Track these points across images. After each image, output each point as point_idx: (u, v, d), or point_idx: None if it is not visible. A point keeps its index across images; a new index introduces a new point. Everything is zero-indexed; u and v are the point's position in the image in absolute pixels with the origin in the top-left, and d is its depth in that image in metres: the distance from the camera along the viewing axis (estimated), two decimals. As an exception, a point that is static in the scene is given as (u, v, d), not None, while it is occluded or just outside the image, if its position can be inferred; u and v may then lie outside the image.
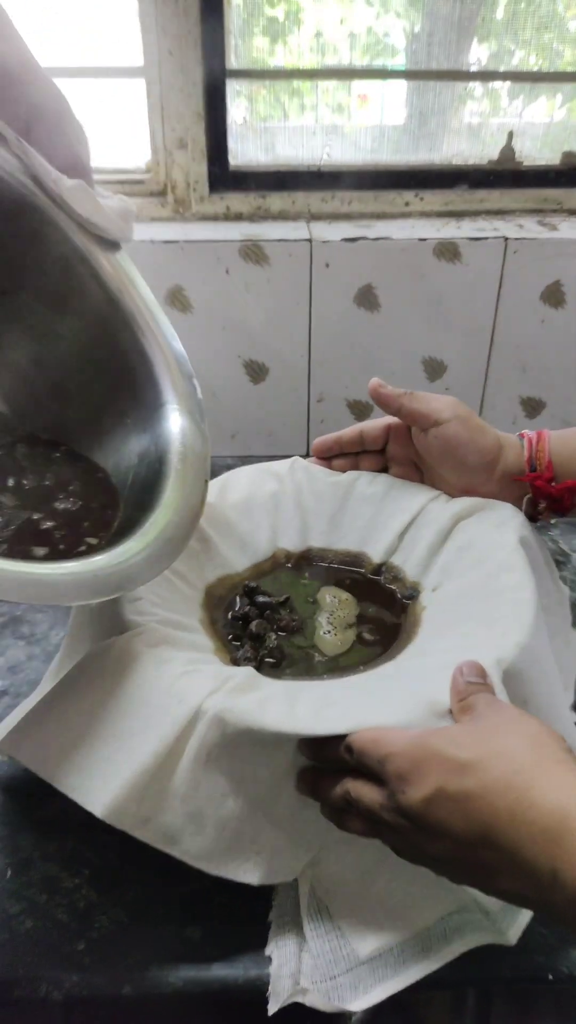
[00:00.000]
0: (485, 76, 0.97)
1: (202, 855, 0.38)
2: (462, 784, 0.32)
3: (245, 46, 0.92)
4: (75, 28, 0.88)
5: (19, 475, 0.48)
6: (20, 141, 0.47)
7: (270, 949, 0.39)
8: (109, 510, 0.47)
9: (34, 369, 0.53)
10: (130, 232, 0.52)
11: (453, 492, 0.53)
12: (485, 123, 1.02)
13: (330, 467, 0.58)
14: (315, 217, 0.96)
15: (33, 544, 0.43)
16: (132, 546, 0.41)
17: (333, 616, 0.51)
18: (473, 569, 0.48)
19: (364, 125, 1.00)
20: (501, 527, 0.49)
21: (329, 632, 0.50)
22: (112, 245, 0.52)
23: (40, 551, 0.42)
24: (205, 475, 0.48)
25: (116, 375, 0.52)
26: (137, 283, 0.52)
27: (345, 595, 0.53)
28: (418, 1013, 0.44)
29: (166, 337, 0.52)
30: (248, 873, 0.39)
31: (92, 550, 0.43)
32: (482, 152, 1.00)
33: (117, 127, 0.91)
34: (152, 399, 0.50)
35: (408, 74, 0.96)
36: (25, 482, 0.48)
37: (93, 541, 0.44)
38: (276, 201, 0.95)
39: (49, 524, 0.45)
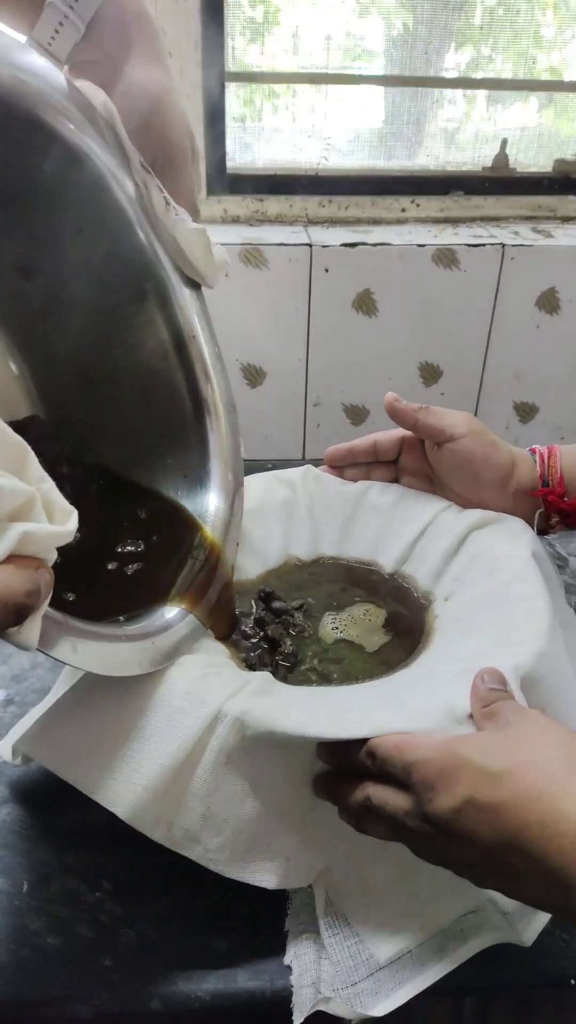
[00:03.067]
0: (488, 84, 0.98)
1: (219, 858, 0.38)
2: (493, 794, 0.32)
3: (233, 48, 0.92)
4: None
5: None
6: (146, 169, 0.47)
7: (289, 958, 0.39)
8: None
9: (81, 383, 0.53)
10: (217, 281, 0.52)
11: (466, 506, 0.54)
12: (478, 129, 1.03)
13: (342, 476, 0.58)
14: (312, 222, 0.96)
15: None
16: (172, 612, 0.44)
17: (350, 619, 0.51)
18: (486, 579, 0.48)
19: (343, 128, 1.01)
20: (513, 539, 0.50)
21: (335, 629, 0.50)
22: (194, 284, 0.52)
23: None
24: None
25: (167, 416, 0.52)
26: (207, 328, 0.52)
27: (376, 615, 0.52)
28: (421, 1018, 0.44)
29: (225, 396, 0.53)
30: (264, 877, 0.39)
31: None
32: (475, 159, 1.01)
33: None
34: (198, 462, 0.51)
35: (403, 80, 0.97)
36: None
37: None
38: (273, 205, 0.95)
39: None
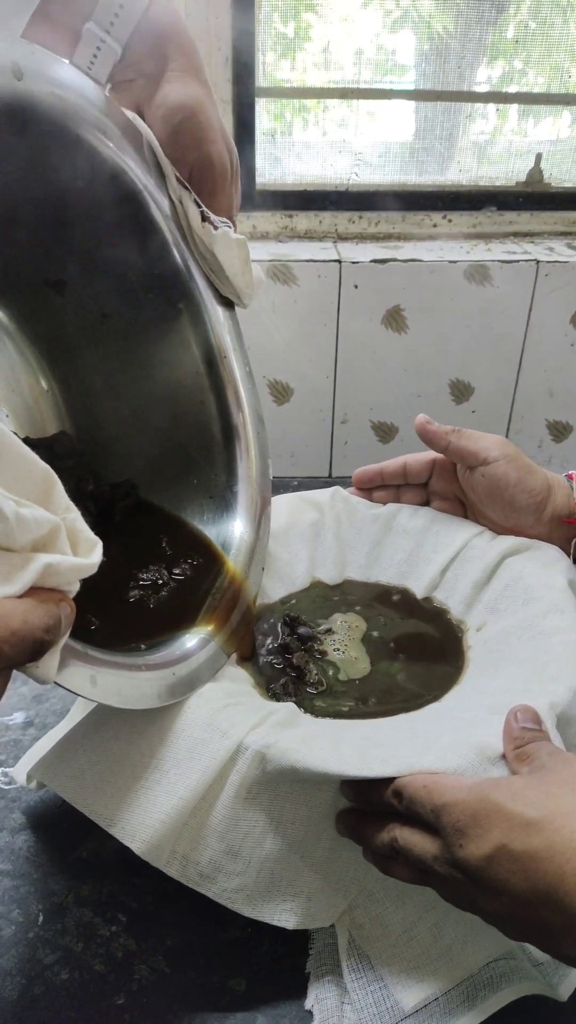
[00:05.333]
0: (522, 99, 0.97)
1: (237, 896, 0.37)
2: (527, 843, 0.31)
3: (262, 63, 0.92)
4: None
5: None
6: (182, 184, 0.46)
7: (310, 1003, 0.37)
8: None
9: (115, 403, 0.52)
10: (252, 299, 0.51)
11: (499, 531, 0.52)
12: (510, 142, 1.01)
13: (370, 498, 0.57)
14: (342, 237, 0.95)
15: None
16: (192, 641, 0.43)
17: (346, 638, 0.50)
18: (520, 609, 0.47)
19: (373, 142, 1.00)
20: (548, 568, 0.48)
21: (336, 651, 0.49)
22: (228, 303, 0.51)
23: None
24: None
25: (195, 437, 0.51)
26: (239, 348, 0.51)
27: (357, 622, 0.51)
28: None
29: (253, 415, 0.52)
30: (284, 917, 0.38)
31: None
32: (508, 174, 1.00)
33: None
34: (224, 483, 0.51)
35: (435, 95, 0.96)
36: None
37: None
38: (303, 221, 0.94)
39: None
